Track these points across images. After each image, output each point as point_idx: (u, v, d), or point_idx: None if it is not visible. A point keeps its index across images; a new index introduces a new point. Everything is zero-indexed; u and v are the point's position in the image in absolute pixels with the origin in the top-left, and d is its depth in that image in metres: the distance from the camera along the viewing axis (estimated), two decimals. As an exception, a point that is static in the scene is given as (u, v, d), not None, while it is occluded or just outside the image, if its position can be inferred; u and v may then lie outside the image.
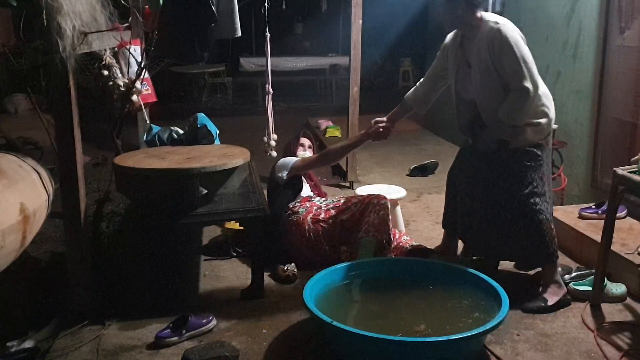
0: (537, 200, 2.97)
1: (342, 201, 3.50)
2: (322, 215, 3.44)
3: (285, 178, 3.56)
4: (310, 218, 3.44)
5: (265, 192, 3.64)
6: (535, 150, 3.01)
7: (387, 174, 5.63)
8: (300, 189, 3.65)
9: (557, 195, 4.21)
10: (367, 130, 3.42)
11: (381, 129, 3.36)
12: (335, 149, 3.59)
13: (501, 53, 2.88)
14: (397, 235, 3.60)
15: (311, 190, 3.77)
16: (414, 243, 3.55)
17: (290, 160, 3.64)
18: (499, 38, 2.88)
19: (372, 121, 3.41)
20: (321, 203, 3.55)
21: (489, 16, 3.00)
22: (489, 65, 2.92)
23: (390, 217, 3.40)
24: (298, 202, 3.55)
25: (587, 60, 4.20)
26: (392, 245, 3.48)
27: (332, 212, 3.44)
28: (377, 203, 3.35)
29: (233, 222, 3.60)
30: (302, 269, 3.34)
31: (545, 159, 3.04)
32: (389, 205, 3.42)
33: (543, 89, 3.02)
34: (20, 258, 2.71)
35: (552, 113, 3.05)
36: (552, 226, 3.02)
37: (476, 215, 3.16)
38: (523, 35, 2.96)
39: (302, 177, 3.71)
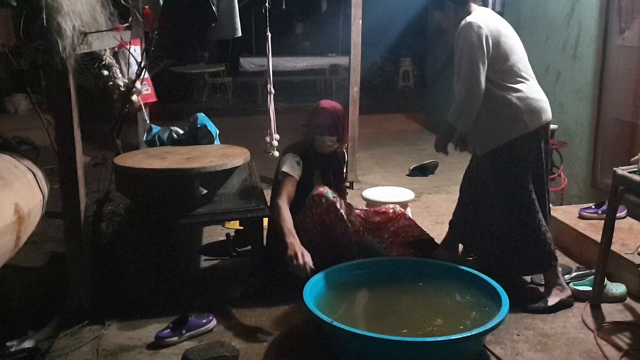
0: (524, 212, 2.93)
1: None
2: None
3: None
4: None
5: (265, 192, 3.61)
6: (506, 154, 2.93)
7: (387, 174, 5.62)
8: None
9: (557, 195, 4.21)
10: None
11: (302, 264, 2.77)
12: (279, 226, 2.96)
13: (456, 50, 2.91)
14: (392, 213, 3.44)
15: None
16: (415, 232, 3.43)
17: (292, 177, 3.14)
18: (458, 35, 2.89)
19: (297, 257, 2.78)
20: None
21: (476, 12, 2.93)
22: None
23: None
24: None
25: (587, 60, 4.20)
26: (391, 230, 3.40)
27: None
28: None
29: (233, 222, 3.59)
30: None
31: (527, 159, 2.94)
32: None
33: (521, 86, 2.91)
34: (20, 258, 2.71)
35: (522, 109, 2.89)
36: (545, 231, 2.98)
37: (478, 225, 3.17)
38: (498, 32, 2.85)
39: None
